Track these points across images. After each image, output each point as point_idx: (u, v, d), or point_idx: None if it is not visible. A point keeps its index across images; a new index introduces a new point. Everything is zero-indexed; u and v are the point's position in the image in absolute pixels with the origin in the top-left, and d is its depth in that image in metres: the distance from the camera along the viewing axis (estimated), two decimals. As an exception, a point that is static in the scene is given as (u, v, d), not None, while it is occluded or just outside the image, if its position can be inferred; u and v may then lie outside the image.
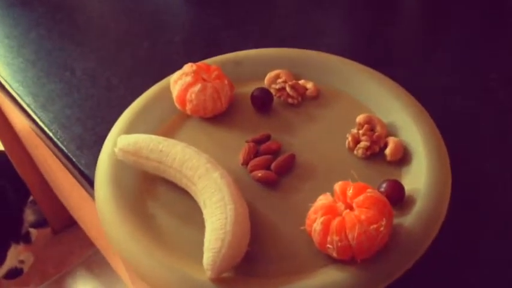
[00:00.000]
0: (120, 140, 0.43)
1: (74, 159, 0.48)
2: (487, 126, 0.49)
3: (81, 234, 1.15)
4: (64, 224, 1.27)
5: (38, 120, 0.52)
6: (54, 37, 0.61)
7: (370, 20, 0.62)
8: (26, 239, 1.25)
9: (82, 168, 0.47)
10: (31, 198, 1.24)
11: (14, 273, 1.19)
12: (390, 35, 0.60)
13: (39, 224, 1.29)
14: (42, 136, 0.52)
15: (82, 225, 1.09)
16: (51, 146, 0.51)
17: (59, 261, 1.24)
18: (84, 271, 1.21)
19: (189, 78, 0.46)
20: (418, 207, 0.39)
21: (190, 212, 0.41)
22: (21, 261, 1.21)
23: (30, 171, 1.10)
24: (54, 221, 1.26)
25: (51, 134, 0.50)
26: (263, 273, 0.37)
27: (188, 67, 0.48)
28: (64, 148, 0.49)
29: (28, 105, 0.53)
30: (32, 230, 1.27)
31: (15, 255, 1.18)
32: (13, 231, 1.18)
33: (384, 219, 0.35)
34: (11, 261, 1.17)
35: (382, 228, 0.35)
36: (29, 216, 1.26)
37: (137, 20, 0.64)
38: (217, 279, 0.36)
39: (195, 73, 0.47)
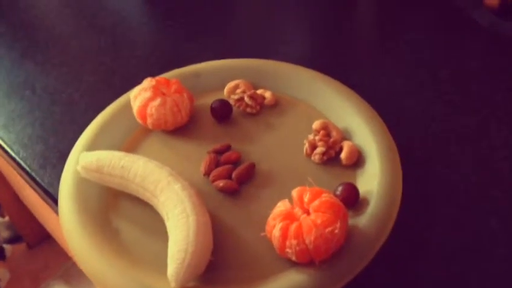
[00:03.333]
0: (82, 158, 0.44)
1: (37, 178, 0.48)
2: (438, 128, 0.51)
3: (57, 248, 1.14)
4: (39, 238, 1.25)
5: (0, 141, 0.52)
6: (14, 56, 0.61)
7: (324, 28, 0.64)
8: (1, 255, 1.24)
9: (45, 187, 0.47)
10: (4, 214, 1.22)
11: (-10, 291, 1.17)
12: (344, 42, 0.62)
13: (13, 239, 1.27)
14: (5, 156, 0.52)
15: (56, 239, 1.08)
16: (15, 165, 0.51)
17: (35, 275, 1.22)
18: (62, 284, 1.20)
19: (148, 93, 0.47)
20: (372, 208, 0.41)
21: (154, 225, 0.42)
22: (-3, 279, 1.20)
23: (1, 187, 1.09)
24: (28, 236, 1.25)
25: (13, 154, 0.50)
26: (226, 280, 0.39)
27: (147, 82, 0.48)
28: (27, 167, 0.49)
29: (-11, 127, 0.54)
30: (7, 246, 1.26)
31: (-10, 272, 1.17)
32: (-13, 249, 1.16)
33: (339, 221, 0.37)
34: (-14, 279, 1.15)
35: (337, 231, 0.37)
36: (3, 232, 1.24)
37: (98, 36, 0.64)
38: (182, 290, 0.37)
39: (154, 88, 0.48)
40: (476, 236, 0.42)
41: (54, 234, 1.05)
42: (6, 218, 1.25)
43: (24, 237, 1.25)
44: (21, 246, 1.28)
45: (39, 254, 1.26)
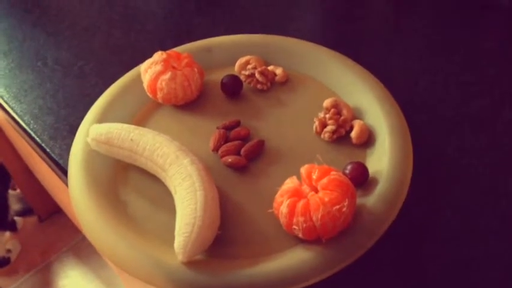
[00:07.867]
0: (92, 130, 0.44)
1: (47, 149, 0.48)
2: (451, 110, 0.50)
3: (67, 221, 1.16)
4: (49, 212, 1.27)
5: (11, 111, 0.52)
6: (25, 27, 0.61)
7: (338, 5, 0.63)
8: (12, 227, 1.26)
9: (56, 158, 0.47)
10: (15, 186, 1.24)
11: (2, 263, 1.20)
12: (357, 20, 0.61)
13: (24, 212, 1.29)
14: (16, 127, 0.52)
15: (67, 213, 1.09)
16: (25, 136, 0.51)
17: (46, 248, 1.24)
18: (72, 257, 1.22)
19: (159, 67, 0.47)
20: (381, 188, 0.40)
21: (162, 198, 0.42)
22: (8, 250, 1.22)
23: (12, 160, 1.10)
24: (39, 209, 1.26)
25: (24, 125, 0.51)
26: (233, 255, 0.39)
27: (158, 55, 0.48)
28: (37, 138, 0.49)
29: (1, 97, 0.54)
30: (18, 219, 1.28)
31: (2, 244, 1.19)
32: (-2, 220, 1.18)
33: (347, 200, 0.37)
34: (-2, 250, 1.17)
35: (344, 209, 0.37)
36: (14, 204, 1.26)
37: (109, 8, 0.63)
38: (189, 263, 0.37)
39: (165, 61, 0.47)
40: (486, 220, 0.42)
41: (65, 207, 1.06)
42: (18, 191, 1.26)
43: (35, 210, 1.27)
44: (32, 219, 1.30)
45: (49, 227, 1.28)
